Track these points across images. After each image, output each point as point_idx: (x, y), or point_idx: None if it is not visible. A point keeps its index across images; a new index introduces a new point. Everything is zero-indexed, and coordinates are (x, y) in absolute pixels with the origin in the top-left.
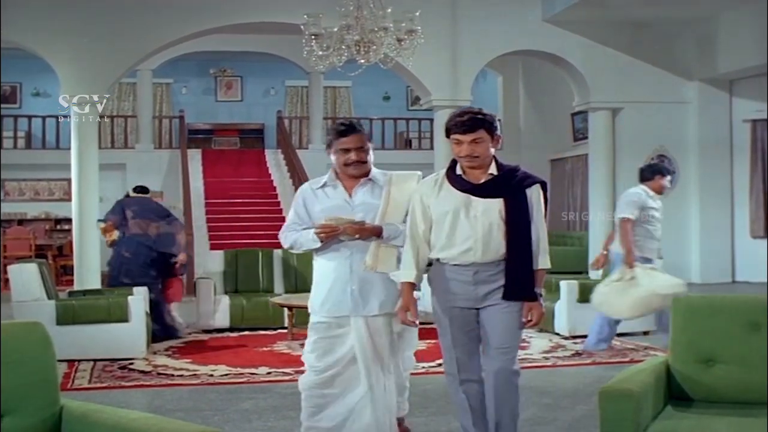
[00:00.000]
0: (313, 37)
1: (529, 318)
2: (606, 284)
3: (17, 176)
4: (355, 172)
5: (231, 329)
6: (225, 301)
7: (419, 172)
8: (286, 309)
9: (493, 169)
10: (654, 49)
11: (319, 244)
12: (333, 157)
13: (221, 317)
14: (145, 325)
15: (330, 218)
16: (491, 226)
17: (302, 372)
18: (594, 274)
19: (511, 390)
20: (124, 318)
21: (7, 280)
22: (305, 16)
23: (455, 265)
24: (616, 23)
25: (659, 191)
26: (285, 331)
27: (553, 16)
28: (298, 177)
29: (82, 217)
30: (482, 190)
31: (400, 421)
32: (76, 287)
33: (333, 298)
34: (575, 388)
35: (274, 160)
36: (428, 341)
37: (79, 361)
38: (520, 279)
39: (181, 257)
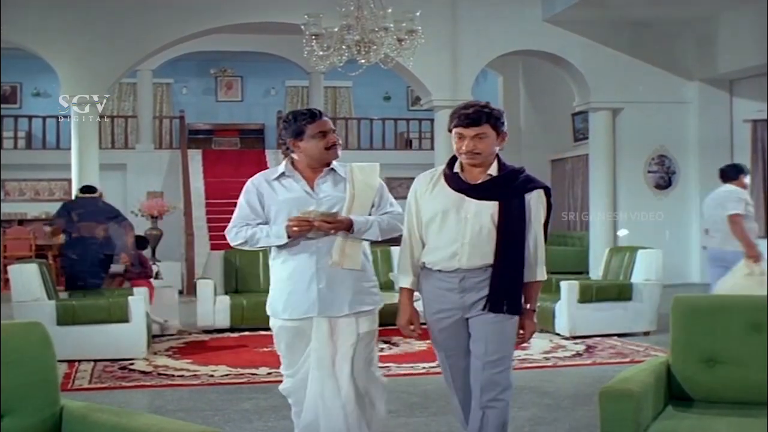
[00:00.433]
0: (313, 37)
1: (520, 333)
2: (737, 277)
3: (17, 176)
4: (335, 156)
5: (231, 329)
6: (225, 301)
7: (378, 164)
8: None
9: (493, 170)
10: (654, 49)
11: (284, 241)
12: (304, 146)
13: (221, 317)
14: (146, 325)
15: (305, 212)
16: (481, 230)
17: None
18: (595, 275)
19: (499, 406)
20: (124, 318)
21: (7, 281)
22: (306, 16)
23: (440, 270)
24: (616, 23)
25: (744, 189)
26: None
27: (554, 16)
28: None
29: None
30: (477, 191)
31: None
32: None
33: (297, 299)
34: (576, 388)
35: (275, 161)
36: (428, 341)
37: (80, 361)
38: (505, 290)
39: (123, 258)
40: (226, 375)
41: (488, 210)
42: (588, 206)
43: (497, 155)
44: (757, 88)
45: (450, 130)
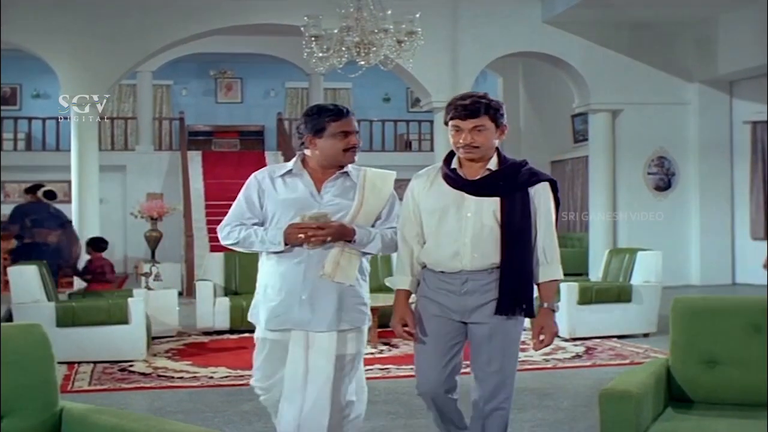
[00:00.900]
0: (313, 38)
1: (541, 338)
2: None
3: (17, 178)
4: (351, 160)
5: (231, 331)
6: (225, 302)
7: (395, 172)
8: None
9: (493, 164)
10: (654, 50)
11: (281, 248)
12: (321, 144)
13: (221, 319)
14: (145, 327)
15: (312, 215)
16: (483, 228)
17: None
18: (595, 276)
19: (501, 415)
20: (123, 320)
21: (7, 282)
22: (305, 18)
23: (441, 272)
24: (616, 24)
25: None
26: None
27: (553, 17)
28: None
29: (82, 219)
30: (476, 187)
31: None
32: (75, 289)
33: (277, 308)
34: (575, 390)
35: (275, 162)
36: None
37: (79, 363)
38: (515, 291)
39: (69, 265)
40: (226, 376)
41: (490, 207)
42: (588, 207)
43: (497, 149)
44: (756, 90)
45: (446, 123)
